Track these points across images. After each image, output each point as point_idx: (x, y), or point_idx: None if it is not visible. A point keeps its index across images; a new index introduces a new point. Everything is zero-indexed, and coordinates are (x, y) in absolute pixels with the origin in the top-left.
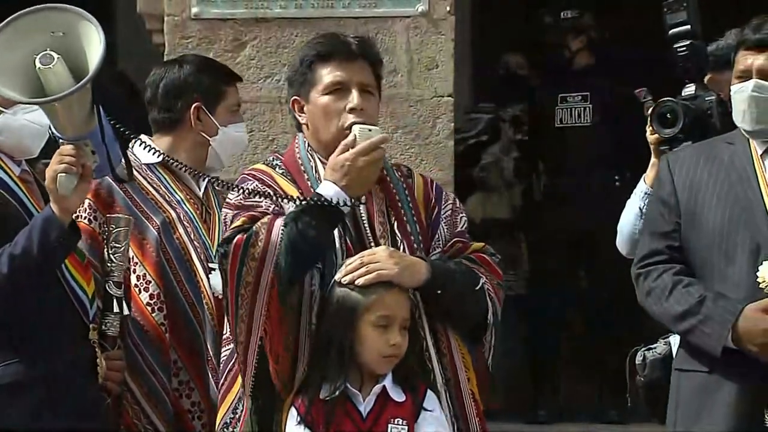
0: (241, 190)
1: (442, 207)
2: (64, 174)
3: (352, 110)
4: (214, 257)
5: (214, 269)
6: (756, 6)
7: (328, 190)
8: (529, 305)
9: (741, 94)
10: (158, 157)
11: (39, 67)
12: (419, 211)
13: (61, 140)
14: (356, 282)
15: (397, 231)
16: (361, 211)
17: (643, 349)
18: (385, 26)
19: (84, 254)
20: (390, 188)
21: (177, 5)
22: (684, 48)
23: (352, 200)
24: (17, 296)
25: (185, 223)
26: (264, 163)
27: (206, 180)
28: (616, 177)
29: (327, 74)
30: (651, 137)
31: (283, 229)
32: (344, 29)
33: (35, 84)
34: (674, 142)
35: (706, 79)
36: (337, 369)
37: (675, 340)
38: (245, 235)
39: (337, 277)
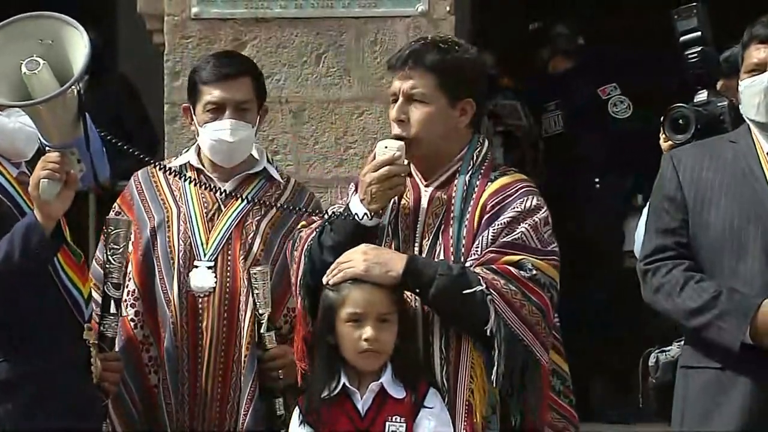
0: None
1: (503, 214)
2: (46, 180)
3: (393, 121)
4: (205, 254)
5: (197, 266)
6: (760, 9)
7: (355, 204)
8: None
9: (755, 87)
10: (183, 160)
11: (25, 73)
12: (473, 216)
13: (47, 147)
14: (330, 281)
15: (441, 234)
16: (420, 214)
17: (656, 351)
18: (385, 26)
19: (80, 255)
20: (452, 191)
21: (177, 5)
22: (695, 54)
23: (370, 214)
24: (5, 299)
25: (182, 221)
26: None
27: (222, 192)
28: (596, 179)
29: (391, 85)
30: (664, 144)
31: (312, 236)
32: (344, 29)
33: (22, 90)
34: None
35: (718, 85)
36: (330, 368)
37: None
38: (293, 240)
39: (323, 278)
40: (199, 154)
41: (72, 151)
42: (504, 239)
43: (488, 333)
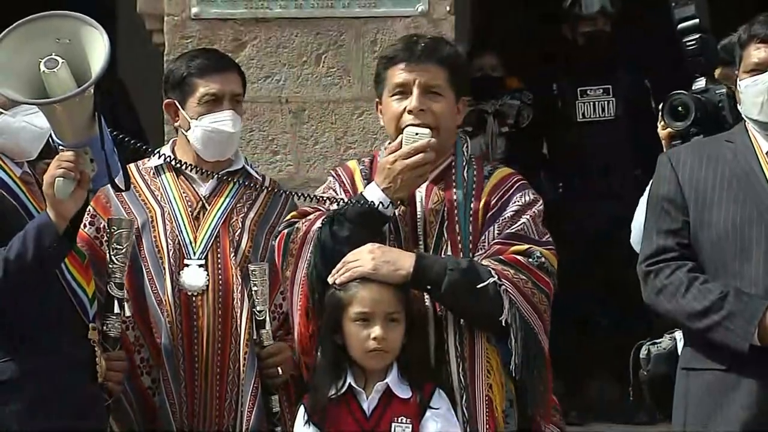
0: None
1: (507, 208)
2: (61, 179)
3: (409, 112)
4: (195, 253)
5: (188, 265)
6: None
7: (372, 192)
8: (557, 305)
9: (757, 86)
10: (160, 159)
11: (43, 71)
12: (477, 212)
13: (61, 146)
14: (336, 281)
15: (445, 230)
16: (418, 211)
17: (648, 343)
18: (385, 26)
19: (84, 255)
20: (451, 186)
21: (177, 5)
22: (693, 42)
23: (394, 203)
24: (13, 299)
25: (167, 220)
26: (358, 159)
27: (214, 177)
28: (636, 173)
29: (393, 76)
30: (663, 132)
31: (319, 228)
32: (344, 29)
33: (39, 88)
34: (687, 137)
35: (716, 73)
36: (336, 367)
37: (680, 335)
38: (287, 231)
39: (328, 277)
40: (174, 154)
41: (86, 151)
42: (508, 230)
43: (504, 323)
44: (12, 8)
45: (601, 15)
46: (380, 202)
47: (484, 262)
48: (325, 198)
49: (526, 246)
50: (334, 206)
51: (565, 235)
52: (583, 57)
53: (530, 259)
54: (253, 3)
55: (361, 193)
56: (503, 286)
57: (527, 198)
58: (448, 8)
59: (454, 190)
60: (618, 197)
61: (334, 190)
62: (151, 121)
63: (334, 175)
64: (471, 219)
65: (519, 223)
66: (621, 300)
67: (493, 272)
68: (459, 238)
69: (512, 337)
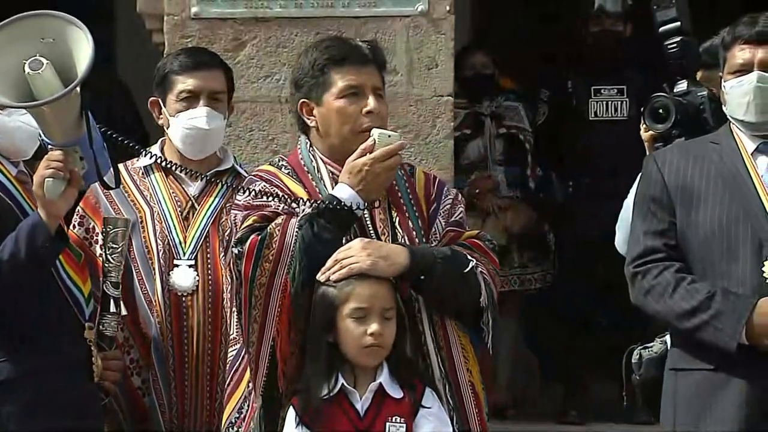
0: (250, 192)
1: (442, 201)
2: (51, 179)
3: (368, 113)
4: (185, 253)
5: (178, 265)
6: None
7: (344, 192)
8: (558, 305)
9: (743, 87)
10: (150, 158)
11: (28, 72)
12: (420, 206)
13: (50, 146)
14: (330, 278)
15: (398, 226)
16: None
17: (639, 348)
18: (385, 26)
19: (80, 254)
20: (393, 185)
21: (177, 5)
22: (674, 45)
23: (366, 204)
24: (7, 299)
25: (156, 221)
26: (270, 164)
27: (203, 178)
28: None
29: (341, 78)
30: (645, 134)
31: (297, 231)
32: (344, 29)
33: (25, 89)
34: (669, 138)
35: (698, 75)
36: (328, 367)
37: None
38: (259, 237)
39: (317, 276)
40: (163, 153)
41: (75, 149)
42: (453, 219)
43: (482, 305)
44: (11, 8)
45: (605, 15)
46: (358, 205)
47: (455, 248)
48: (296, 199)
49: (476, 231)
50: (276, 204)
51: (571, 236)
52: (591, 56)
53: (486, 242)
54: (253, 2)
55: (332, 194)
56: (479, 269)
57: (453, 190)
58: (448, 8)
59: (396, 187)
60: (623, 198)
61: (271, 194)
62: (152, 121)
63: (263, 178)
64: (416, 213)
65: (458, 212)
66: (622, 300)
67: (468, 256)
68: (414, 233)
69: (489, 318)
